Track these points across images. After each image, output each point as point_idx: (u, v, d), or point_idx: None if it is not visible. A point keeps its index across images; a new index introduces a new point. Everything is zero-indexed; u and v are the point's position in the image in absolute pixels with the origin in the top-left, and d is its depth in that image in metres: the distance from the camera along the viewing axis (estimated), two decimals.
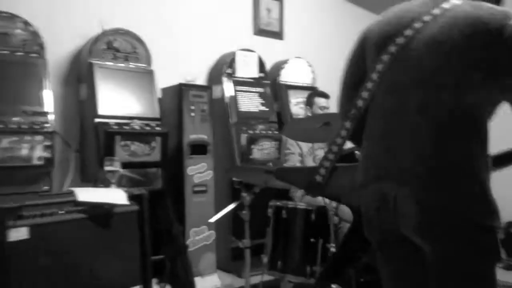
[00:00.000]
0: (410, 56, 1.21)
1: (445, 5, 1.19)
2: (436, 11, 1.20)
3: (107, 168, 2.36)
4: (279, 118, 4.01)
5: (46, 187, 2.73)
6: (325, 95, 3.34)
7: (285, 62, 4.26)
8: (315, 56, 4.53)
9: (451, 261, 1.16)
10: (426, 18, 1.20)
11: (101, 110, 2.92)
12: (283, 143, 3.48)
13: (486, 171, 1.16)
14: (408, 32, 1.22)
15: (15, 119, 2.64)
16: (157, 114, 3.19)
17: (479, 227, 1.14)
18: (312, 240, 2.42)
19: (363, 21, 5.27)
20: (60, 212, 1.99)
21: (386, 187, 1.21)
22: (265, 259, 2.51)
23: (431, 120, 1.16)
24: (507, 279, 3.45)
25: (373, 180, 1.27)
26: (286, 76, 4.23)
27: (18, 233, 1.86)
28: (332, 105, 3.18)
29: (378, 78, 1.27)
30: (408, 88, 1.21)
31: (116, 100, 3.02)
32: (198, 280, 3.07)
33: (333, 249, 2.30)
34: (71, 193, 2.09)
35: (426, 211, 1.15)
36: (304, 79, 4.36)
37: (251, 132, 3.67)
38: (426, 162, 1.16)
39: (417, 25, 1.21)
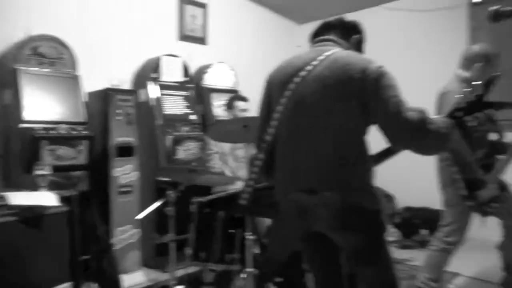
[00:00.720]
0: (305, 91, 1.63)
1: (327, 53, 1.64)
2: (321, 57, 1.63)
3: (38, 172, 2.46)
4: (202, 120, 4.25)
5: None
6: (244, 99, 3.60)
7: (208, 66, 4.50)
8: (237, 61, 4.81)
9: (361, 239, 1.60)
10: (314, 62, 1.63)
11: (26, 116, 2.98)
12: (205, 143, 3.73)
13: (370, 170, 1.62)
14: (302, 73, 1.63)
15: None
16: (83, 118, 3.29)
17: (371, 211, 1.60)
18: (231, 231, 2.71)
19: (281, 28, 5.63)
20: None
21: (301, 197, 1.61)
22: (188, 251, 2.75)
23: (325, 141, 1.59)
24: (402, 256, 3.99)
25: (290, 192, 1.66)
26: (209, 80, 4.47)
27: None
28: (252, 108, 3.47)
29: (282, 110, 1.67)
30: (306, 116, 1.62)
31: (42, 105, 3.09)
32: (124, 277, 3.19)
33: (249, 237, 2.59)
34: (3, 198, 2.19)
35: (334, 211, 1.56)
36: (226, 83, 4.63)
37: (176, 133, 3.88)
38: (328, 174, 1.58)
39: (308, 68, 1.63)
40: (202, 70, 4.50)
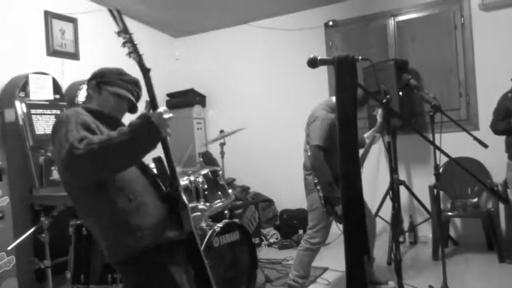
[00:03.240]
0: None
1: None
2: None
3: None
4: None
5: None
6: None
7: (82, 82, 4.39)
8: None
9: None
10: None
11: None
12: None
13: (104, 218, 1.63)
14: None
15: None
16: None
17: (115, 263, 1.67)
18: None
19: (159, 42, 5.68)
20: None
21: None
22: (68, 274, 2.73)
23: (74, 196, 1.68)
24: (281, 256, 4.33)
25: None
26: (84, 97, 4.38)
27: None
28: None
29: None
30: None
31: None
32: None
33: None
34: None
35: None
36: None
37: (49, 154, 3.75)
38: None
39: None
40: (75, 87, 4.39)
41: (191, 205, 1.82)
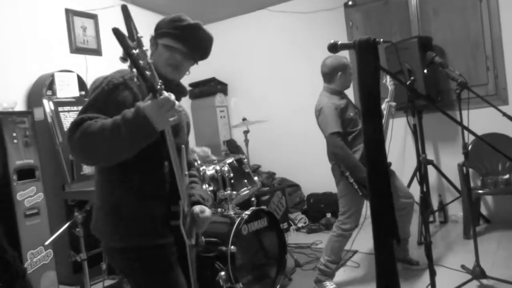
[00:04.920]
0: None
1: None
2: None
3: None
4: None
5: None
6: None
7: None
8: None
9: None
10: None
11: None
12: None
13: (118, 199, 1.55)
14: None
15: None
16: None
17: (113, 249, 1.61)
18: None
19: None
20: None
21: None
22: (103, 266, 2.81)
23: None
24: (310, 240, 4.35)
25: None
26: None
27: None
28: None
29: None
30: None
31: None
32: None
33: None
34: None
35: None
36: None
37: None
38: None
39: None
40: None
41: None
